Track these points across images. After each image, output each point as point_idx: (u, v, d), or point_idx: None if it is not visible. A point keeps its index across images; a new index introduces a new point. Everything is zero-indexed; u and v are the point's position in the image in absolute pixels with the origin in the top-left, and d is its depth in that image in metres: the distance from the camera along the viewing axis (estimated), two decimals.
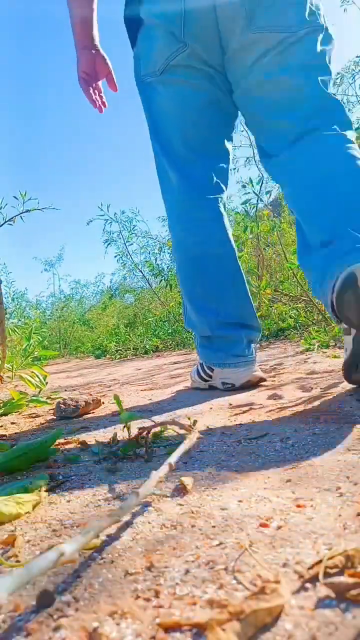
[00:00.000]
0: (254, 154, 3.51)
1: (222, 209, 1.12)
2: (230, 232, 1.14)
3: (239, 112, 1.11)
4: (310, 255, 0.91)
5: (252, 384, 1.19)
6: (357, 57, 3.92)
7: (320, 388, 1.14)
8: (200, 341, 1.23)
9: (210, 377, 1.22)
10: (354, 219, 0.82)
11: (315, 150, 0.91)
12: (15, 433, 1.03)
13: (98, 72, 1.15)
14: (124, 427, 0.85)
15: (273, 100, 0.95)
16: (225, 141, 1.14)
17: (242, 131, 3.42)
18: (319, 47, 0.93)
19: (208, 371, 1.22)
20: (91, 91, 1.16)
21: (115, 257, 5.72)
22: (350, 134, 0.92)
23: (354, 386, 1.07)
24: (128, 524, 0.47)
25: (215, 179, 1.11)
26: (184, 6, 0.93)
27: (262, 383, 1.26)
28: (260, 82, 0.95)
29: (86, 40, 1.12)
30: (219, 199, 1.12)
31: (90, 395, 1.37)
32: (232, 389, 1.18)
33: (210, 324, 1.15)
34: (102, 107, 1.20)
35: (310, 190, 0.90)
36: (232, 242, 1.16)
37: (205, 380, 1.24)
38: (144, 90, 1.11)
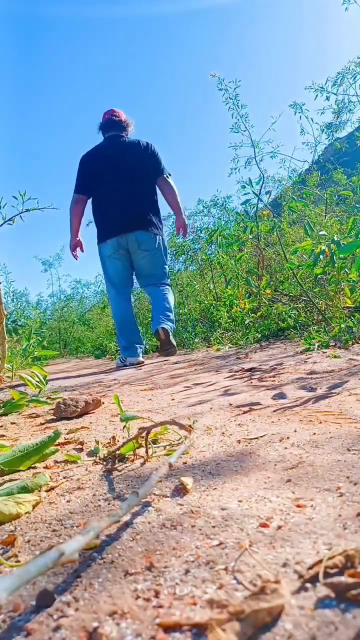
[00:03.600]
0: (254, 153, 3.51)
1: (131, 298, 2.95)
2: (132, 306, 2.94)
3: (134, 269, 2.94)
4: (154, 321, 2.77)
5: (139, 363, 2.77)
6: (358, 57, 3.92)
7: (321, 388, 1.14)
8: (122, 350, 2.86)
9: (125, 363, 2.79)
10: (163, 315, 2.76)
11: (157, 291, 2.85)
12: (15, 433, 1.03)
13: (78, 246, 2.96)
14: (124, 427, 0.85)
15: (146, 272, 2.89)
16: (132, 277, 2.98)
17: (245, 130, 3.42)
18: (162, 257, 2.89)
19: (124, 360, 2.80)
20: (74, 252, 2.98)
21: None
22: (169, 288, 2.94)
23: (355, 386, 1.06)
24: (128, 524, 0.47)
25: (127, 290, 2.92)
26: (117, 243, 2.79)
27: (262, 384, 1.35)
28: (141, 265, 2.86)
29: (76, 233, 2.92)
30: (130, 294, 2.95)
31: (90, 395, 1.37)
32: (132, 365, 2.74)
33: (127, 342, 2.83)
34: (76, 258, 3.03)
35: (155, 305, 2.83)
36: (132, 310, 2.94)
37: (124, 365, 2.78)
38: (104, 258, 2.88)
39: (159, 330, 2.66)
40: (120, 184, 2.76)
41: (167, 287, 2.89)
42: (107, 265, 2.85)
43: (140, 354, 2.80)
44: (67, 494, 0.58)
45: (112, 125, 2.85)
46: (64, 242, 10.74)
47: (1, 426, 1.13)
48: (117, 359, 2.89)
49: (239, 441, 0.75)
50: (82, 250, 2.99)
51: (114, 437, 0.85)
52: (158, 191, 2.92)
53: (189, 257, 5.25)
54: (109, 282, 2.90)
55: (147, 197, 2.84)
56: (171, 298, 2.88)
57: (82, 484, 0.62)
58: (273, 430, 0.79)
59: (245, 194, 2.94)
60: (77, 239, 2.93)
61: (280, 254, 3.63)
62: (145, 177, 2.82)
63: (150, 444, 0.76)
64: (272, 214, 3.21)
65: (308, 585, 0.33)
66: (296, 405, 0.98)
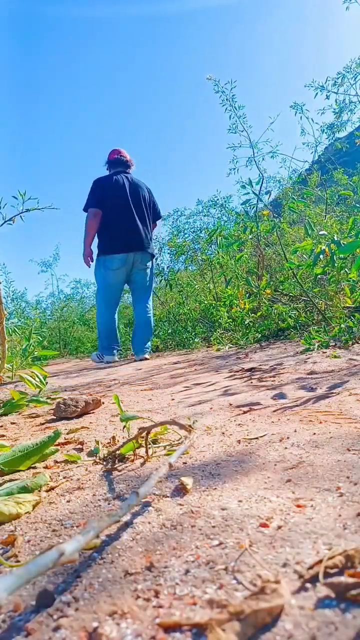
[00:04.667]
0: (254, 154, 3.50)
1: (117, 313, 3.45)
2: (117, 317, 3.45)
3: (129, 282, 3.49)
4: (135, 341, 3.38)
5: (113, 362, 3.21)
6: (359, 57, 3.92)
7: (321, 388, 1.14)
8: (102, 348, 3.31)
9: (102, 360, 3.27)
10: (144, 344, 3.38)
11: (141, 308, 3.43)
12: (15, 433, 1.03)
13: (90, 255, 3.37)
14: (124, 427, 0.85)
15: (141, 285, 3.44)
16: (121, 293, 3.47)
17: (242, 131, 3.42)
18: (153, 275, 3.56)
19: (102, 357, 3.28)
20: (88, 259, 3.39)
21: None
22: (150, 303, 3.51)
23: (355, 386, 1.06)
24: (128, 524, 0.47)
25: (117, 304, 3.43)
26: (126, 258, 3.30)
27: (262, 384, 1.35)
28: (139, 279, 3.42)
29: (89, 244, 3.34)
30: (117, 309, 3.42)
31: (90, 395, 1.37)
32: (108, 363, 3.21)
33: (108, 345, 3.31)
34: (89, 265, 3.44)
35: (138, 321, 3.44)
36: (117, 319, 3.43)
37: (100, 361, 3.28)
38: (104, 271, 3.32)
39: (140, 359, 3.41)
40: (130, 210, 3.34)
41: (151, 309, 3.58)
42: (111, 276, 3.33)
43: (116, 355, 3.39)
44: (67, 494, 0.58)
45: (119, 163, 3.48)
46: (60, 241, 10.74)
47: (1, 426, 1.13)
48: (94, 355, 3.39)
49: (239, 441, 0.75)
50: (91, 261, 3.58)
51: (114, 437, 0.85)
52: None
53: (189, 257, 5.25)
54: (108, 289, 3.35)
55: (150, 227, 3.50)
56: (152, 319, 3.56)
57: (82, 484, 0.62)
58: (273, 430, 0.79)
59: (245, 194, 2.93)
60: (90, 248, 3.48)
61: (280, 254, 3.63)
62: (149, 212, 3.50)
63: (150, 444, 0.76)
64: (272, 214, 3.21)
65: (308, 585, 0.33)
66: (296, 405, 0.98)
